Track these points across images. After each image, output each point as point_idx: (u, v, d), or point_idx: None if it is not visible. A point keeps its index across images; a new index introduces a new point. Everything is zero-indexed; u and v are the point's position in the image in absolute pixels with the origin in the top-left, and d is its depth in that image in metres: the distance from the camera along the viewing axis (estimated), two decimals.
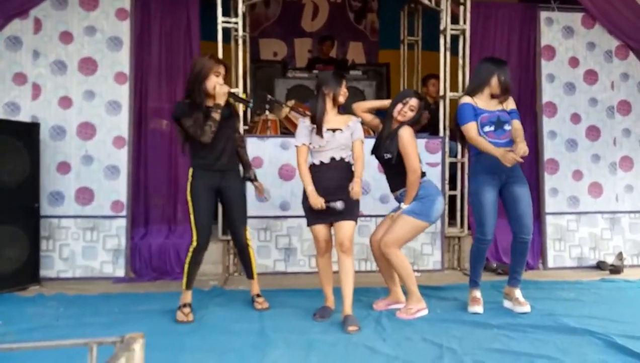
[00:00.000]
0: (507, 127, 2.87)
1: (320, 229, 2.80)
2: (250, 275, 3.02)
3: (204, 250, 2.83)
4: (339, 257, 2.77)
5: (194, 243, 2.78)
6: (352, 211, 2.76)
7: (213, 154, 2.77)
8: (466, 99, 2.93)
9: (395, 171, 2.90)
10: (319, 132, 2.74)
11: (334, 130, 2.77)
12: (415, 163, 2.81)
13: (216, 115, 2.68)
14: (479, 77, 2.96)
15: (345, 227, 2.73)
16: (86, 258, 3.78)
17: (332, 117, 2.81)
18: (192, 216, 2.79)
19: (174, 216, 4.06)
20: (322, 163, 2.79)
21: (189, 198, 2.80)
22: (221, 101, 2.71)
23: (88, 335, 2.33)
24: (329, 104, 2.79)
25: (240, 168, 3.06)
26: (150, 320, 2.71)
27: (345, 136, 2.78)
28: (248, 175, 3.06)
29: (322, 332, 2.56)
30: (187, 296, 2.81)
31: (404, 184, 2.87)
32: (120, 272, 3.81)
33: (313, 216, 2.78)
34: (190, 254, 2.79)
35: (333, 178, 2.75)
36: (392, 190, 3.00)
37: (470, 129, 2.86)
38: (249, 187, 3.24)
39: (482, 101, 2.91)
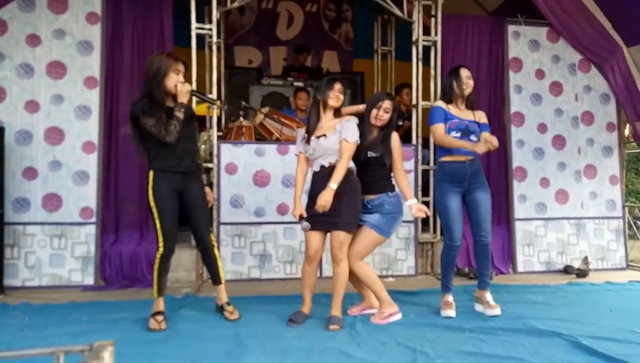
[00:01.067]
0: (473, 138, 2.95)
1: (314, 236, 2.78)
2: (217, 281, 2.91)
3: (171, 255, 2.75)
4: (332, 265, 2.82)
5: (161, 250, 2.69)
6: (346, 221, 2.72)
7: (176, 155, 2.67)
8: (438, 103, 3.03)
9: (375, 173, 2.86)
10: (308, 140, 2.77)
11: (319, 136, 2.76)
12: (402, 165, 2.92)
13: (180, 114, 2.59)
14: (443, 88, 3.11)
15: (336, 237, 2.74)
16: (53, 266, 3.66)
17: (325, 123, 2.81)
18: (157, 222, 2.67)
19: (145, 222, 3.98)
20: (315, 171, 2.81)
21: (152, 203, 2.67)
22: (184, 99, 2.63)
23: (55, 345, 2.25)
24: (321, 110, 2.81)
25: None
26: (121, 329, 2.64)
27: (330, 140, 2.73)
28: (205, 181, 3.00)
29: (297, 337, 2.55)
30: (160, 304, 2.74)
31: (381, 190, 2.84)
32: (90, 280, 3.70)
33: (309, 221, 2.77)
34: (157, 261, 2.71)
35: (323, 188, 2.68)
36: (368, 193, 2.85)
37: (438, 128, 2.95)
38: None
39: (455, 109, 3.00)
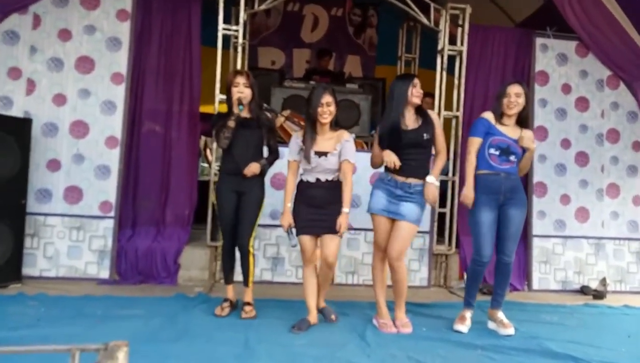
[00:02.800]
0: (512, 158, 2.89)
1: (306, 240, 2.83)
2: (245, 283, 3.05)
3: (232, 249, 3.04)
4: (321, 267, 2.86)
5: (221, 242, 3.09)
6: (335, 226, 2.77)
7: (231, 159, 2.97)
8: (486, 114, 2.97)
9: (420, 156, 2.82)
10: (307, 156, 2.76)
11: (319, 154, 2.76)
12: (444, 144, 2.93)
13: (230, 123, 2.90)
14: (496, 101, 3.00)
15: (328, 243, 2.77)
16: (71, 258, 3.73)
17: (321, 138, 2.80)
18: (218, 219, 3.04)
19: (162, 219, 4.03)
20: (308, 181, 2.83)
21: (214, 201, 3.11)
22: (235, 108, 2.93)
23: (69, 338, 2.31)
24: (317, 123, 2.79)
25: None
26: (133, 325, 2.67)
27: (331, 161, 2.77)
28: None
29: (306, 345, 2.55)
30: (227, 291, 3.08)
31: (422, 176, 2.81)
32: (105, 274, 3.76)
33: (302, 226, 2.81)
34: (222, 253, 3.13)
35: (318, 195, 2.80)
36: (410, 176, 2.80)
37: (472, 143, 2.93)
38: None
39: (504, 126, 2.90)
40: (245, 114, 2.96)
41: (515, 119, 2.93)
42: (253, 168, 2.91)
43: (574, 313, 3.50)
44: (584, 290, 4.22)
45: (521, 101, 2.88)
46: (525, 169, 3.04)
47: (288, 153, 2.90)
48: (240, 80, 2.95)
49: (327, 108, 2.75)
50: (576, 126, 4.48)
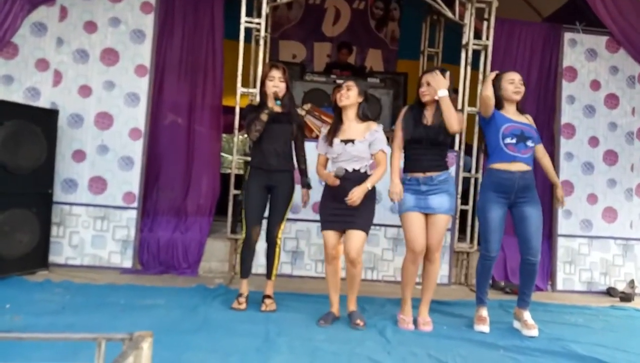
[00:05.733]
0: (529, 143, 2.85)
1: (331, 235, 2.79)
2: (268, 276, 3.05)
3: (252, 242, 2.98)
4: (346, 265, 2.81)
5: (243, 235, 3.01)
6: (366, 222, 2.75)
7: (261, 153, 2.95)
8: None
9: (439, 151, 2.80)
10: (330, 141, 2.77)
11: (346, 141, 2.75)
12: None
13: (263, 116, 2.88)
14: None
15: (355, 237, 2.72)
16: (95, 247, 3.80)
17: (348, 127, 2.80)
18: (243, 211, 3.00)
19: (184, 210, 4.07)
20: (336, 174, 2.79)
21: (242, 194, 3.08)
22: (269, 102, 2.91)
23: (93, 327, 2.34)
24: (342, 111, 2.81)
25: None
26: (155, 315, 2.71)
27: (359, 148, 2.73)
28: (303, 181, 3.07)
29: (325, 340, 2.54)
30: (242, 286, 3.01)
31: (444, 168, 2.82)
32: (128, 263, 3.82)
33: (326, 221, 2.80)
34: (241, 246, 3.04)
35: (345, 188, 2.70)
36: (429, 170, 2.77)
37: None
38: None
39: (509, 114, 2.88)
40: (277, 108, 2.96)
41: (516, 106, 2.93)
42: (304, 195, 3.03)
43: (599, 315, 3.41)
44: (610, 292, 4.11)
45: (523, 88, 2.90)
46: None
47: (318, 147, 2.90)
48: (276, 74, 2.94)
49: (345, 91, 2.77)
50: (605, 123, 4.35)
